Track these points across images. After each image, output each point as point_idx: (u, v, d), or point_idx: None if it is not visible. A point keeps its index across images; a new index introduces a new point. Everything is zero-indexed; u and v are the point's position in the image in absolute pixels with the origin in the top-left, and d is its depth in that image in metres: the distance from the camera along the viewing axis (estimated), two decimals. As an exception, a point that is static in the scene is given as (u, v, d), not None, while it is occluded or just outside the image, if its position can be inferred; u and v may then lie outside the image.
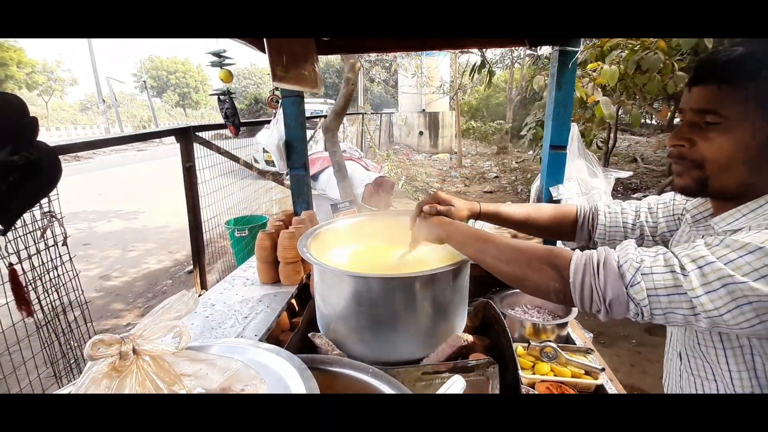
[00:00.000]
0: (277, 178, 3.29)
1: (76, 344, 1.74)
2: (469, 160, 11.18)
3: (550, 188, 1.52)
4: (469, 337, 0.90)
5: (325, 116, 3.66)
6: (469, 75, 4.23)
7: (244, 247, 3.05)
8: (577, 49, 1.36)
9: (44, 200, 1.50)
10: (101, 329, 2.92)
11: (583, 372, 1.25)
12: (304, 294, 1.38)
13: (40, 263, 1.52)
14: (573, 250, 0.69)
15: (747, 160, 0.63)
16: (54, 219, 1.51)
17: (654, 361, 2.75)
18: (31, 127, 0.98)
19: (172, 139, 2.30)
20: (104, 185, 8.55)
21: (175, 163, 2.50)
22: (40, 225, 1.48)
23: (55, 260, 1.57)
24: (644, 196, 1.13)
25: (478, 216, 0.98)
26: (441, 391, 0.56)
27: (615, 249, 0.65)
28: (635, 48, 3.31)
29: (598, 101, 2.64)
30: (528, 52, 8.55)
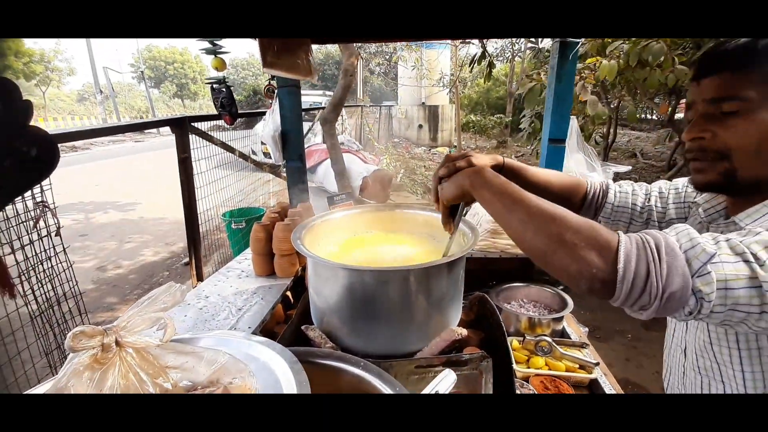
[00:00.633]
0: (274, 170, 3.27)
1: (70, 335, 1.73)
2: (469, 154, 11.14)
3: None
4: (464, 331, 0.90)
5: (323, 108, 3.63)
6: (469, 67, 4.19)
7: (240, 239, 3.04)
8: (578, 41, 1.34)
9: (37, 190, 1.48)
10: (96, 321, 2.91)
11: (578, 366, 1.25)
12: (300, 286, 1.38)
13: (33, 254, 1.51)
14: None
15: None
16: (47, 209, 1.49)
17: (650, 356, 2.76)
18: (25, 110, 0.96)
19: (170, 129, 2.28)
20: (101, 176, 8.50)
21: (172, 155, 2.48)
22: (33, 215, 1.46)
23: (48, 251, 1.56)
24: None
25: (502, 167, 0.88)
26: (432, 384, 0.55)
27: (667, 231, 0.55)
28: (637, 41, 3.29)
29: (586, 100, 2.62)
30: (529, 45, 8.48)
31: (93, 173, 8.82)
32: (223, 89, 1.42)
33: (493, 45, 10.50)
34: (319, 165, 3.30)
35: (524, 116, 4.40)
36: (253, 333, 1.04)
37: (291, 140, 1.53)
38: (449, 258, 0.85)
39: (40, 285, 1.57)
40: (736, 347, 0.65)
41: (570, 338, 1.39)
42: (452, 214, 0.82)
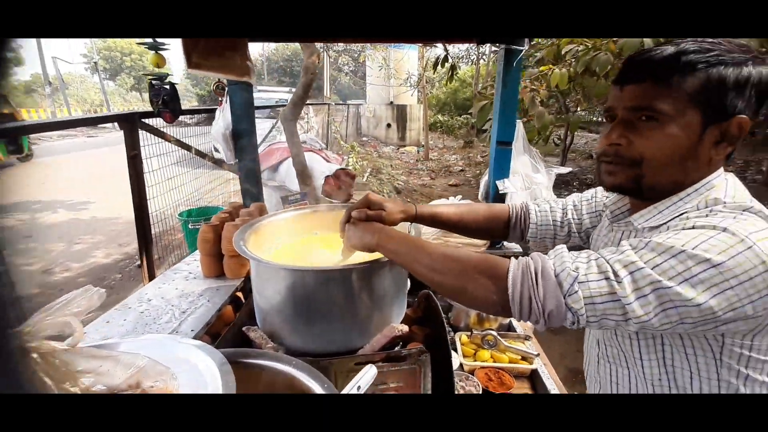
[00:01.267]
0: (235, 168, 3.19)
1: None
2: (436, 154, 11.31)
3: (497, 182, 1.57)
4: (404, 327, 0.92)
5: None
6: (432, 69, 4.27)
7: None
8: (521, 48, 1.40)
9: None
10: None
11: (520, 358, 1.31)
12: (251, 287, 1.36)
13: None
14: (508, 256, 0.67)
15: (681, 157, 0.64)
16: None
17: (597, 347, 2.91)
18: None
19: (118, 126, 2.17)
20: (50, 173, 7.96)
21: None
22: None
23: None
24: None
25: (414, 218, 0.95)
26: (354, 380, 0.57)
27: (549, 254, 0.63)
28: (589, 47, 3.46)
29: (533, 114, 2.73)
30: (493, 48, 8.72)
31: (40, 170, 8.24)
32: (166, 86, 1.37)
33: (458, 47, 10.71)
34: (281, 164, 3.25)
35: (489, 119, 4.52)
36: (196, 336, 1.03)
37: (243, 139, 1.50)
38: (379, 260, 0.87)
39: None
40: (636, 337, 0.70)
41: (516, 331, 1.45)
42: None
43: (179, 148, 2.75)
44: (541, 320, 0.59)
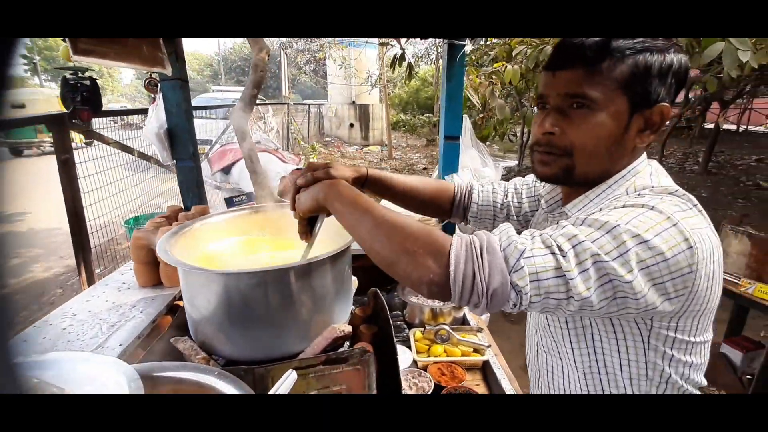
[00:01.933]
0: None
1: None
2: (400, 152, 11.38)
3: (446, 177, 1.58)
4: (347, 328, 0.90)
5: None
6: (390, 68, 4.26)
7: (146, 247, 2.78)
8: (463, 43, 1.41)
9: None
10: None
11: (472, 350, 1.32)
12: (192, 295, 1.29)
13: None
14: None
15: (609, 145, 0.64)
16: None
17: (554, 334, 3.01)
18: None
19: (46, 128, 1.99)
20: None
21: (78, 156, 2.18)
22: None
23: None
24: None
25: (365, 180, 0.88)
26: (273, 388, 0.54)
27: (494, 231, 0.59)
28: (538, 46, 3.58)
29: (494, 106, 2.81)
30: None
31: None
32: (86, 81, 1.25)
33: (417, 46, 10.81)
34: (234, 165, 3.14)
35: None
36: (125, 350, 0.95)
37: (179, 138, 1.41)
38: (330, 253, 0.84)
39: None
40: (566, 327, 0.71)
41: (469, 324, 1.47)
42: (311, 223, 0.80)
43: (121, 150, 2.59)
44: (483, 300, 0.54)
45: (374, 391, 0.89)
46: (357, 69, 11.44)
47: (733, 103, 8.28)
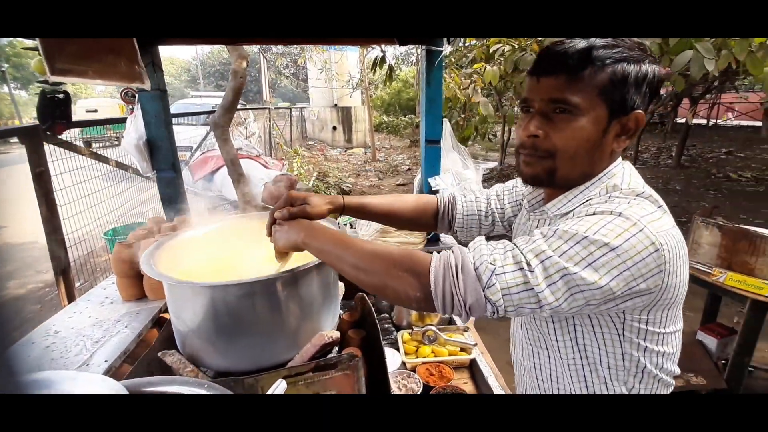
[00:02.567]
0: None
1: None
2: (383, 154, 11.40)
3: (429, 179, 1.60)
4: (335, 334, 0.91)
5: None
6: (371, 70, 4.28)
7: (127, 259, 2.72)
8: (440, 49, 1.44)
9: None
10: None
11: (459, 349, 1.35)
12: (178, 307, 1.27)
13: None
14: (431, 252, 0.67)
15: (589, 149, 0.67)
16: None
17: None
18: None
19: (19, 140, 1.94)
20: (-53, 197, 6.97)
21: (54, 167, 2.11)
22: None
23: None
24: None
25: (342, 210, 0.92)
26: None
27: (468, 247, 0.65)
28: (515, 47, 3.66)
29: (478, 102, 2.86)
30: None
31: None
32: (60, 94, 1.23)
33: (399, 49, 10.87)
34: (217, 172, 3.09)
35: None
36: (111, 367, 0.94)
37: (159, 148, 1.40)
38: (317, 261, 0.85)
39: None
40: (551, 320, 0.75)
41: (455, 324, 1.49)
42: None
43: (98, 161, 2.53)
44: (464, 313, 0.61)
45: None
46: (338, 72, 11.43)
47: (702, 99, 8.61)
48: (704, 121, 14.85)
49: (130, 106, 1.34)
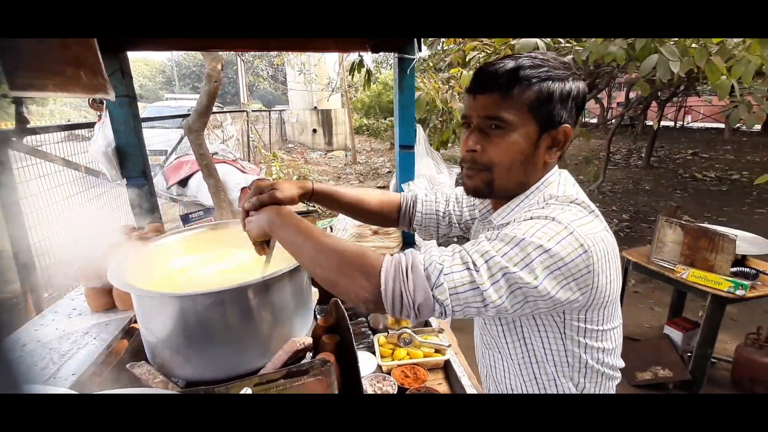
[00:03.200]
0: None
1: None
2: (364, 157, 11.42)
3: (403, 185, 1.63)
4: (307, 340, 0.92)
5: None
6: (349, 73, 4.28)
7: (99, 267, 2.64)
8: (413, 56, 1.47)
9: None
10: None
11: (434, 351, 1.38)
12: (149, 316, 1.26)
13: None
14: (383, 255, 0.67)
15: (523, 161, 0.72)
16: None
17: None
18: None
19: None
20: None
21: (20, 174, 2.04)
22: None
23: None
24: None
25: (312, 195, 0.93)
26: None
27: (420, 249, 0.67)
28: (489, 53, 3.74)
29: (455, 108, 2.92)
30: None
31: None
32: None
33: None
34: (191, 177, 3.04)
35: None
36: (79, 380, 0.92)
37: (129, 155, 1.37)
38: (288, 268, 0.86)
39: None
40: (500, 323, 0.79)
41: (431, 326, 1.52)
42: (265, 240, 0.84)
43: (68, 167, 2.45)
44: (412, 313, 0.62)
45: (337, 400, 0.91)
46: (317, 75, 11.38)
47: (669, 102, 8.98)
48: (672, 123, 15.50)
49: (98, 113, 1.32)
